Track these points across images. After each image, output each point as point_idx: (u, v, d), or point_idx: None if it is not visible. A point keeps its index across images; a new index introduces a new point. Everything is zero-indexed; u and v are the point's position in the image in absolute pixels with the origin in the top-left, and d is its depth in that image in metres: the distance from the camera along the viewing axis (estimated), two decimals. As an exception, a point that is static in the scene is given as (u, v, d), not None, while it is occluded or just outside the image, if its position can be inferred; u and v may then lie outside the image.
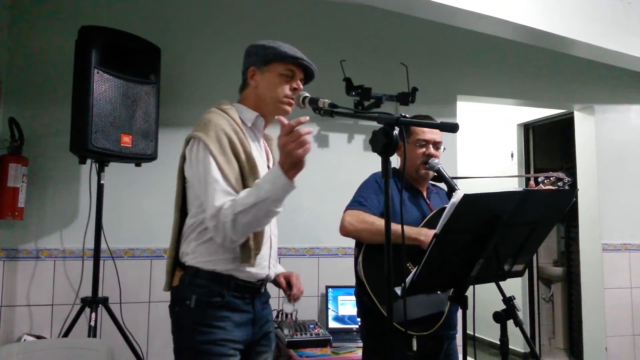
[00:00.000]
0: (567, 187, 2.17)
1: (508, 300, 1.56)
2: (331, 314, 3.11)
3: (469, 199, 1.39)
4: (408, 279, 1.47)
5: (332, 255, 3.27)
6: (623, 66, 3.81)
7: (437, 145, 2.12)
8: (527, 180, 2.26)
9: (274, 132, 1.80)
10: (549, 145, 5.17)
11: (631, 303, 4.00)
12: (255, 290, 1.60)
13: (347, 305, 3.13)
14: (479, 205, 1.47)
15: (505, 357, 1.56)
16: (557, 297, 5.08)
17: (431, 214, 2.04)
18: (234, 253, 1.52)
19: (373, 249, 1.92)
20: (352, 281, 2.08)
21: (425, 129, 2.08)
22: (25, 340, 2.52)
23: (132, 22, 2.79)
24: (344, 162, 3.33)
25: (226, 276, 1.52)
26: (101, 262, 2.59)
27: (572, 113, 4.35)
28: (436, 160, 2.08)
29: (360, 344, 2.26)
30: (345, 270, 2.83)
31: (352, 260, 2.08)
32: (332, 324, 3.08)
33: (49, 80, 2.81)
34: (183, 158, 1.58)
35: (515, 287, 4.71)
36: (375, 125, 1.28)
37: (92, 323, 2.40)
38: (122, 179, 2.85)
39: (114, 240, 2.75)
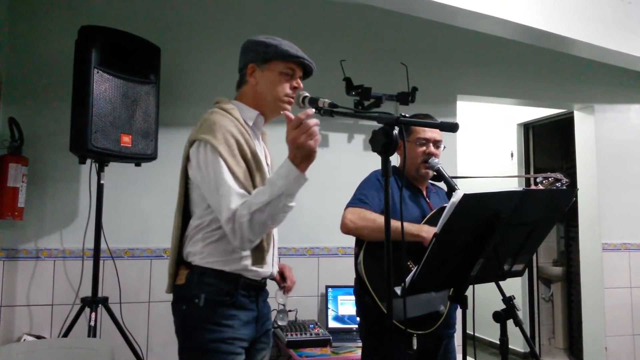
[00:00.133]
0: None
1: (508, 300, 1.55)
2: (331, 313, 3.11)
3: (469, 199, 1.39)
4: (408, 278, 1.47)
5: (332, 255, 3.27)
6: (623, 66, 3.80)
7: (437, 143, 2.13)
8: (528, 181, 2.26)
9: (271, 130, 1.81)
10: (549, 145, 5.16)
11: (631, 303, 4.00)
12: (259, 288, 1.61)
13: (347, 305, 3.13)
14: (479, 204, 1.47)
15: (505, 357, 1.56)
16: (556, 296, 5.08)
17: (431, 213, 2.05)
18: (242, 252, 1.52)
19: (374, 247, 1.92)
20: (352, 281, 2.09)
21: (426, 127, 2.09)
22: (25, 340, 2.52)
23: (132, 22, 2.79)
24: (344, 161, 3.33)
25: (235, 275, 1.52)
26: (101, 262, 2.59)
27: (572, 113, 4.35)
28: (436, 160, 2.09)
29: (360, 344, 2.26)
30: (345, 270, 2.83)
31: (352, 260, 2.08)
32: (332, 324, 3.08)
33: (49, 80, 2.81)
34: (187, 159, 1.56)
35: (515, 286, 4.71)
36: (375, 124, 1.28)
37: (92, 323, 2.40)
38: (122, 179, 2.85)
39: (114, 240, 2.75)
